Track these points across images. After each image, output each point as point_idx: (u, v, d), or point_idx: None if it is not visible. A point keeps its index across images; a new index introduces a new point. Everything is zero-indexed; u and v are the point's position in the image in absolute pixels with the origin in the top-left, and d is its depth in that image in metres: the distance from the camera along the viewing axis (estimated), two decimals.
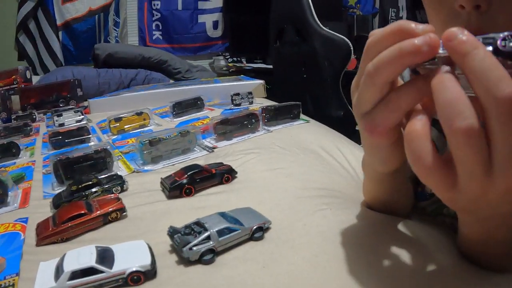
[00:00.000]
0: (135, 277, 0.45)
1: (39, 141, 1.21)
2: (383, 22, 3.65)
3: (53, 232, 0.58)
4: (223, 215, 0.52)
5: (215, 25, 3.14)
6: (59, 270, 0.46)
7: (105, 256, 0.47)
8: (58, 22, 3.01)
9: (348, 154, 0.89)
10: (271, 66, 2.67)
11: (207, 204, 0.65)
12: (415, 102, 0.29)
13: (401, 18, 3.65)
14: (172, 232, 0.50)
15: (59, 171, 0.76)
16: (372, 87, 0.30)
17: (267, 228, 0.53)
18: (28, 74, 2.00)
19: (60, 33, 3.04)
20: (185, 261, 0.47)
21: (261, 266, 0.45)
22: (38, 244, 0.58)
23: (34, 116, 1.54)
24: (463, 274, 0.40)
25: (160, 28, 3.05)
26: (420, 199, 0.53)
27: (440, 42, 0.26)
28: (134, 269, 0.45)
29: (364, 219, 0.52)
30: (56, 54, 2.97)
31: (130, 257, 0.47)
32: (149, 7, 3.05)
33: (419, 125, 0.28)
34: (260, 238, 0.51)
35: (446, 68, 0.26)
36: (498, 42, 0.25)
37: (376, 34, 0.30)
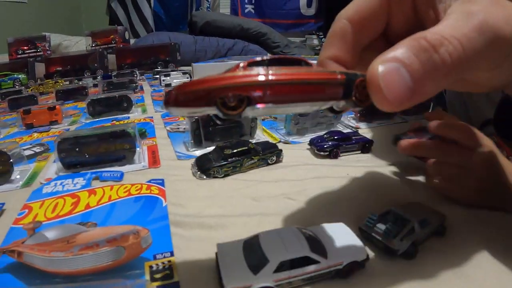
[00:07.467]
0: (347, 269, 0.35)
1: (148, 98, 1.13)
2: None
3: None
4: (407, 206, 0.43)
5: (309, 3, 2.95)
6: (256, 258, 0.33)
7: (313, 241, 0.35)
8: None
9: None
10: None
11: None
12: None
13: None
14: (376, 220, 0.41)
15: (197, 130, 0.65)
16: None
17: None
18: (126, 35, 1.97)
19: (151, 1, 3.03)
20: (384, 251, 0.39)
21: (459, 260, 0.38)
22: None
23: (135, 75, 1.48)
24: None
25: (253, 2, 2.93)
26: None
27: None
28: (351, 259, 0.35)
29: None
30: (148, 20, 2.97)
31: (340, 244, 0.36)
32: None
33: None
34: (442, 233, 0.43)
35: None
36: None
37: None
